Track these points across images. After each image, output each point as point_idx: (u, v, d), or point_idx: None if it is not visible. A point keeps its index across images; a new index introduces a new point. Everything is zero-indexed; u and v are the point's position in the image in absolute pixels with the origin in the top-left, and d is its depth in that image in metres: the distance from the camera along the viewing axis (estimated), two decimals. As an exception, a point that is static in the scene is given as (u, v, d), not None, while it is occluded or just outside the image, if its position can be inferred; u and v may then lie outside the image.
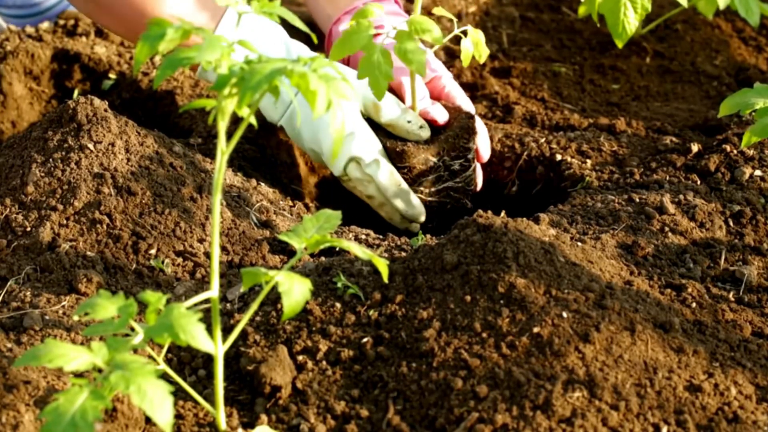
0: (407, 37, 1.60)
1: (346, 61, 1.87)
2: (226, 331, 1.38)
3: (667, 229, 1.64)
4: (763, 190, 1.73)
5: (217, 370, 1.19)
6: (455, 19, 1.75)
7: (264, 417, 1.29)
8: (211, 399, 1.27)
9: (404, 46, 1.59)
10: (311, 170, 1.99)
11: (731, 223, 1.67)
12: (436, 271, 1.40)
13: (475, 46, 1.73)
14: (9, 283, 1.49)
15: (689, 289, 1.50)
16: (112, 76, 2.21)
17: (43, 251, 1.53)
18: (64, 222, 1.56)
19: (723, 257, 1.60)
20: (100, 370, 1.08)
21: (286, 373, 1.32)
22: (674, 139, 1.95)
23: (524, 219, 1.51)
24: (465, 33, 1.74)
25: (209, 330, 1.12)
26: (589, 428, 1.22)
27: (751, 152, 1.80)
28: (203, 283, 1.53)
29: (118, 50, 2.24)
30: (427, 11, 2.48)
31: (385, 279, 1.25)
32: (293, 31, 2.42)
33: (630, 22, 2.03)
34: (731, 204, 1.70)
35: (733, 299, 1.52)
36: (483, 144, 1.86)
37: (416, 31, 1.61)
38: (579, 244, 1.53)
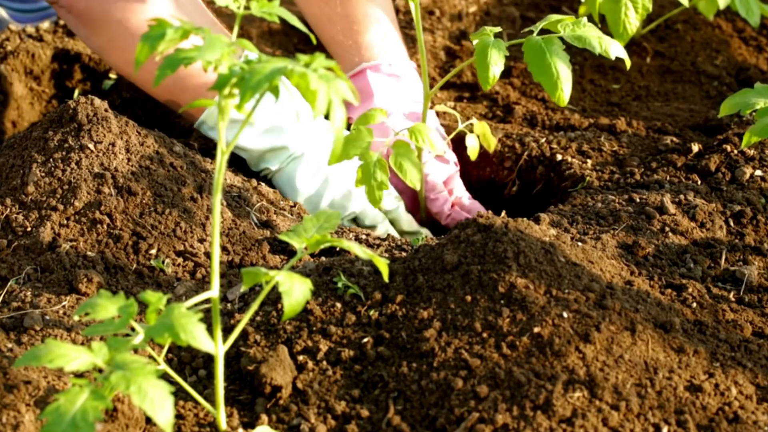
0: (406, 150, 1.66)
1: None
2: (227, 331, 1.38)
3: (667, 229, 1.64)
4: (764, 190, 1.73)
5: (217, 370, 1.19)
6: (459, 116, 1.78)
7: (264, 417, 1.29)
8: (211, 399, 1.27)
9: (400, 160, 1.66)
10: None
11: (732, 223, 1.67)
12: (437, 271, 1.40)
13: (482, 137, 1.80)
14: (9, 283, 1.49)
15: (690, 289, 1.50)
16: (113, 75, 2.21)
17: (44, 251, 1.53)
18: (65, 222, 1.56)
19: (723, 257, 1.60)
20: (100, 370, 1.08)
21: (286, 373, 1.32)
22: (675, 139, 1.95)
23: (524, 219, 1.51)
24: (470, 128, 1.80)
25: (210, 330, 1.12)
26: (589, 428, 1.22)
27: (751, 152, 1.80)
28: (203, 283, 1.53)
29: (118, 50, 2.24)
30: (426, 11, 2.48)
31: (386, 279, 1.25)
32: (292, 32, 2.43)
33: (631, 22, 2.03)
34: (732, 204, 1.70)
35: (733, 299, 1.52)
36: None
37: (417, 139, 1.64)
38: (579, 244, 1.53)
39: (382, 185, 1.64)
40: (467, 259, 1.39)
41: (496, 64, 1.58)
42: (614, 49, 1.59)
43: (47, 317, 1.42)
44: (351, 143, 1.66)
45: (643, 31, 2.37)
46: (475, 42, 1.63)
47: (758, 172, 1.76)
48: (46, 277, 1.50)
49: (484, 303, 1.34)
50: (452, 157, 1.89)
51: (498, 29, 1.64)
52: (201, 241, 1.59)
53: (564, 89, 1.56)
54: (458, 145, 1.94)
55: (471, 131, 1.85)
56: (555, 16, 1.62)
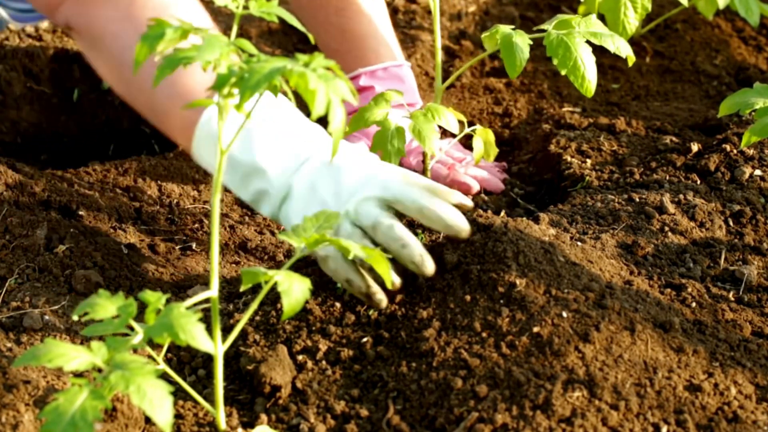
0: (425, 119, 1.66)
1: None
2: (226, 330, 1.38)
3: (667, 228, 1.64)
4: (763, 190, 1.73)
5: (216, 370, 1.19)
6: (465, 120, 1.79)
7: (264, 417, 1.29)
8: (210, 399, 1.27)
9: (419, 128, 1.65)
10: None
11: (731, 223, 1.67)
12: (436, 270, 1.40)
13: (485, 145, 1.80)
14: (8, 283, 1.49)
15: (689, 289, 1.50)
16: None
17: (42, 251, 1.53)
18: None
19: (723, 257, 1.60)
20: (99, 370, 1.08)
21: (285, 373, 1.32)
22: (674, 138, 1.95)
23: (524, 219, 1.51)
24: (475, 132, 1.81)
25: (209, 330, 1.12)
26: (588, 428, 1.22)
27: (751, 152, 1.80)
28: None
29: (117, 50, 2.23)
30: (426, 10, 2.48)
31: (387, 280, 1.25)
32: (291, 31, 2.43)
33: (630, 21, 2.03)
34: (731, 203, 1.70)
35: (732, 299, 1.52)
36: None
37: (433, 116, 1.66)
38: (579, 243, 1.53)
39: (400, 152, 1.64)
40: (467, 259, 1.39)
41: (523, 51, 1.62)
42: (624, 48, 1.64)
43: (46, 317, 1.42)
44: (367, 111, 1.66)
45: (642, 31, 2.37)
46: (487, 35, 1.66)
47: (758, 172, 1.76)
48: (45, 277, 1.50)
49: (484, 303, 1.34)
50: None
51: (513, 27, 1.68)
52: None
53: (591, 80, 1.61)
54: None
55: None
56: (563, 16, 1.66)
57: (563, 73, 1.60)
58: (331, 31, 1.93)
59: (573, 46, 1.61)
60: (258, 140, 1.45)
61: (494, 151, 1.80)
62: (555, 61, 1.61)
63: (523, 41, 1.63)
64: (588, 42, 1.63)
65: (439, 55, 1.77)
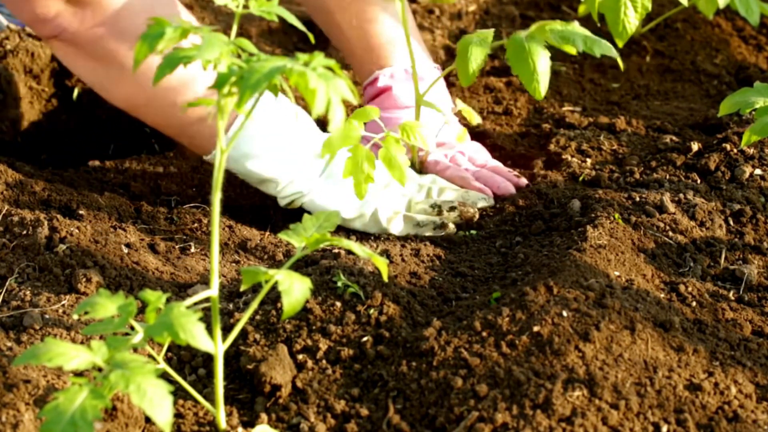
0: (394, 143, 1.64)
1: None
2: (226, 330, 1.38)
3: (667, 227, 1.64)
4: (763, 189, 1.73)
5: (216, 369, 1.19)
6: (478, 116, 1.81)
7: (264, 416, 1.29)
8: (211, 398, 1.27)
9: (390, 156, 1.63)
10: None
11: (731, 222, 1.67)
12: (436, 270, 1.40)
13: (464, 112, 1.82)
14: (9, 282, 1.49)
15: (689, 288, 1.50)
16: (112, 75, 2.20)
17: (42, 251, 1.53)
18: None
19: (723, 256, 1.60)
20: (99, 369, 1.08)
21: (286, 372, 1.32)
22: (674, 137, 1.95)
23: (524, 218, 1.51)
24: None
25: (209, 329, 1.12)
26: (589, 427, 1.22)
27: (751, 151, 1.80)
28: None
29: (118, 49, 2.23)
30: (426, 9, 2.48)
31: (385, 278, 1.25)
32: (291, 30, 2.43)
33: (630, 21, 2.03)
34: (731, 203, 1.70)
35: (733, 298, 1.52)
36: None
37: (408, 136, 1.65)
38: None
39: (369, 178, 1.63)
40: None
41: (476, 62, 1.61)
42: (600, 48, 1.62)
43: (47, 316, 1.42)
44: (342, 135, 1.66)
45: (642, 30, 2.37)
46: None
47: (758, 171, 1.76)
48: (45, 276, 1.50)
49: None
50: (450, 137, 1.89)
51: (491, 31, 1.67)
52: (200, 240, 1.58)
53: (540, 81, 1.59)
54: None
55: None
56: (544, 22, 1.65)
57: (514, 72, 1.62)
58: (351, 33, 1.92)
59: (527, 46, 1.60)
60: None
61: (476, 117, 1.82)
62: (509, 62, 1.62)
63: (480, 50, 1.62)
64: (586, 46, 1.62)
65: (415, 68, 1.76)
